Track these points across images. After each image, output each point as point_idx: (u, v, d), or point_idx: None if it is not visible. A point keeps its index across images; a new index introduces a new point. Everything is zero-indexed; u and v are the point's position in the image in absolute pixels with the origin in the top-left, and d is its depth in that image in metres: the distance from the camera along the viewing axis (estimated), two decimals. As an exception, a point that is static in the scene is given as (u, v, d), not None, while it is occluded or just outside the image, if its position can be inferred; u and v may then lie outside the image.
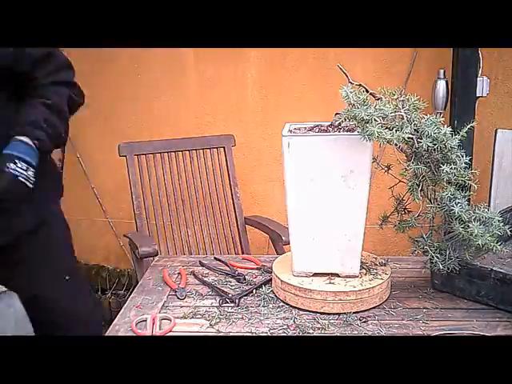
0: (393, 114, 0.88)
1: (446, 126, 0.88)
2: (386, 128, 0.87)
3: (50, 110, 1.09)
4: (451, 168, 0.86)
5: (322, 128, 0.97)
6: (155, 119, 2.53)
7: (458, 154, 0.88)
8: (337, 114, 0.94)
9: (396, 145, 0.89)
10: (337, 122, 0.93)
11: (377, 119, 0.86)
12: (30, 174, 1.05)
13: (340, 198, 0.94)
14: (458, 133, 0.90)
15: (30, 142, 1.06)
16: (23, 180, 1.03)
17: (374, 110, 0.87)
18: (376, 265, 1.04)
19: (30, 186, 1.05)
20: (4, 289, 2.33)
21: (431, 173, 0.90)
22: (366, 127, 0.85)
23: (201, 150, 1.93)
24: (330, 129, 0.96)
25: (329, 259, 0.99)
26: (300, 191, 0.96)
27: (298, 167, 0.94)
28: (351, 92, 0.91)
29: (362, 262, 1.04)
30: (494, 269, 0.95)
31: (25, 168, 1.04)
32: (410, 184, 0.92)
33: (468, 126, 0.93)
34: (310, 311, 0.96)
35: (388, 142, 0.85)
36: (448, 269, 0.95)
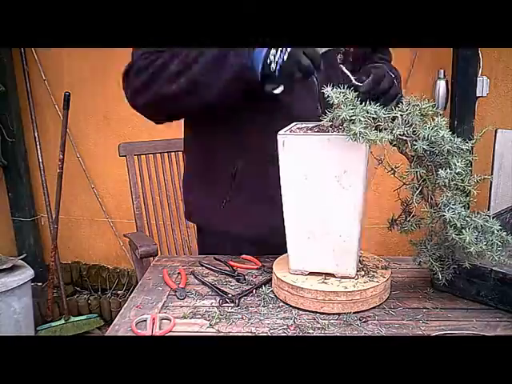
0: (386, 115, 0.88)
1: (445, 128, 0.87)
2: (376, 129, 0.87)
3: None
4: (447, 173, 0.85)
5: (322, 128, 0.97)
6: (155, 119, 2.53)
7: (461, 157, 0.87)
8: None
9: (394, 145, 0.89)
10: (337, 123, 0.93)
11: (362, 119, 0.86)
12: None
13: (334, 198, 0.94)
14: (458, 133, 0.89)
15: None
16: None
17: (360, 110, 0.87)
18: (377, 267, 1.04)
19: None
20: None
21: (432, 176, 0.89)
22: (350, 127, 0.85)
23: (201, 150, 1.92)
24: (330, 129, 0.96)
25: (324, 259, 0.99)
26: (295, 189, 0.96)
27: (292, 166, 0.95)
28: (334, 92, 0.91)
29: (363, 264, 1.05)
30: (494, 269, 0.94)
31: None
32: (409, 187, 0.91)
33: (483, 131, 0.91)
34: (309, 311, 0.96)
35: (374, 142, 0.85)
36: (446, 279, 0.96)
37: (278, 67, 0.95)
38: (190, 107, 1.09)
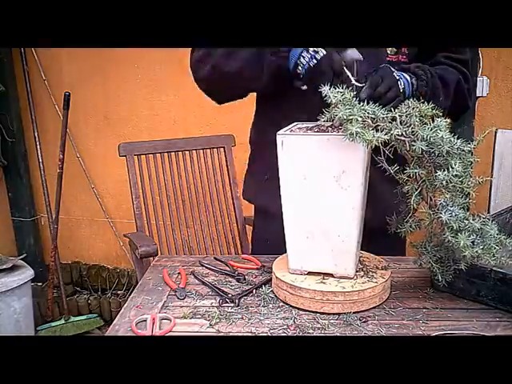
0: (384, 115, 0.88)
1: (445, 129, 0.87)
2: (374, 129, 0.87)
3: None
4: (445, 174, 0.85)
5: (322, 128, 0.97)
6: (155, 119, 2.54)
7: (460, 158, 0.86)
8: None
9: (393, 146, 0.89)
10: (337, 123, 0.93)
11: (359, 119, 0.86)
12: None
13: (332, 198, 0.94)
14: (458, 133, 0.89)
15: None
16: None
17: (358, 110, 0.87)
18: (378, 268, 1.04)
19: None
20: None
21: (432, 178, 0.89)
22: (347, 127, 0.85)
23: (201, 150, 1.93)
24: (330, 129, 0.96)
25: (322, 259, 0.99)
26: (294, 189, 0.97)
27: (291, 166, 0.95)
28: (332, 92, 0.91)
29: (363, 264, 1.05)
30: (494, 269, 0.94)
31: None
32: (407, 188, 0.91)
33: (486, 132, 0.89)
34: (309, 311, 0.96)
35: (371, 142, 0.85)
36: (446, 280, 0.96)
37: (304, 70, 1.06)
38: (239, 89, 1.25)
